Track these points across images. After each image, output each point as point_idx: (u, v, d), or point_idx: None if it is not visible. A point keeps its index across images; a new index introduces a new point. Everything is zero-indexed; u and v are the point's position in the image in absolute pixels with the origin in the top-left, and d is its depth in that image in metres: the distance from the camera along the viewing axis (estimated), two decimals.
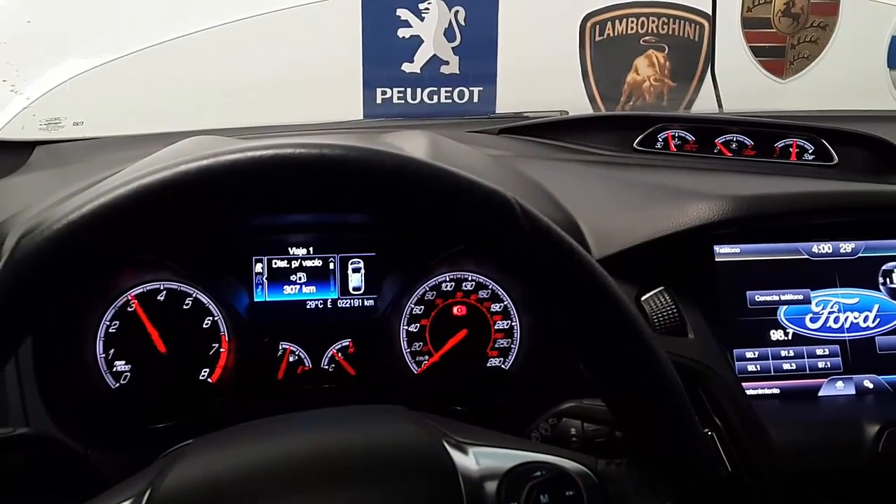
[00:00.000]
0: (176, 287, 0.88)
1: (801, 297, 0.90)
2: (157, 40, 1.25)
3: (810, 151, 1.11)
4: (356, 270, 0.91)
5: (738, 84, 1.50)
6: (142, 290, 0.87)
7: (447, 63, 1.43)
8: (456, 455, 0.53)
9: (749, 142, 1.11)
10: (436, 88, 1.43)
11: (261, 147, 0.47)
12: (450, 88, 1.43)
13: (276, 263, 0.90)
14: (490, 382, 0.93)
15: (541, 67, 1.49)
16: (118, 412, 0.87)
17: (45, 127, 1.19)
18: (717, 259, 0.89)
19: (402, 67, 1.42)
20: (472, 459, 0.53)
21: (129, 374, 0.87)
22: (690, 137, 1.11)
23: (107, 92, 1.24)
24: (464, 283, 0.93)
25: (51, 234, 0.45)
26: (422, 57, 1.42)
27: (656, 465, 0.54)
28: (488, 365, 0.93)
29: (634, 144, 1.11)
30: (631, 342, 0.51)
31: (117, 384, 0.87)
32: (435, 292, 0.92)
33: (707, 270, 0.89)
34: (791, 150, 1.11)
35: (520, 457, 0.54)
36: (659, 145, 1.11)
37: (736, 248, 0.90)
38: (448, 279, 0.93)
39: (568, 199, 0.93)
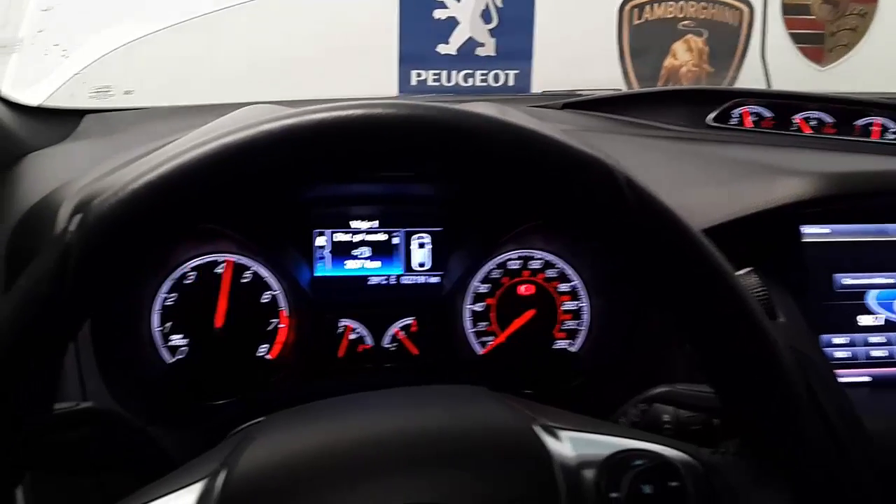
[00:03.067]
0: (235, 259, 0.85)
1: (891, 280, 0.85)
2: (210, 9, 1.23)
3: (892, 130, 1.05)
4: (422, 246, 0.87)
5: (777, 70, 1.48)
6: (200, 261, 0.84)
7: (483, 45, 1.42)
8: (549, 440, 0.49)
9: (829, 119, 1.05)
10: (471, 71, 1.42)
11: (348, 107, 0.44)
12: (485, 70, 1.42)
13: (338, 237, 0.87)
14: (558, 365, 0.89)
15: (578, 51, 1.47)
16: (174, 388, 0.84)
17: (94, 95, 1.16)
18: (803, 240, 0.84)
19: (438, 49, 1.41)
20: (568, 445, 0.49)
21: (186, 348, 0.85)
22: (768, 114, 1.06)
23: (158, 60, 1.21)
24: (531, 262, 0.89)
25: (126, 196, 0.42)
26: (458, 38, 1.41)
27: (770, 456, 0.50)
28: (555, 347, 0.89)
29: (707, 120, 1.06)
30: (743, 321, 0.47)
31: (173, 358, 0.85)
32: (501, 270, 0.89)
33: (794, 251, 0.84)
34: (871, 128, 1.06)
35: (618, 444, 0.50)
36: (734, 121, 1.06)
37: (825, 229, 0.85)
38: (515, 257, 0.89)
39: (641, 174, 0.87)
